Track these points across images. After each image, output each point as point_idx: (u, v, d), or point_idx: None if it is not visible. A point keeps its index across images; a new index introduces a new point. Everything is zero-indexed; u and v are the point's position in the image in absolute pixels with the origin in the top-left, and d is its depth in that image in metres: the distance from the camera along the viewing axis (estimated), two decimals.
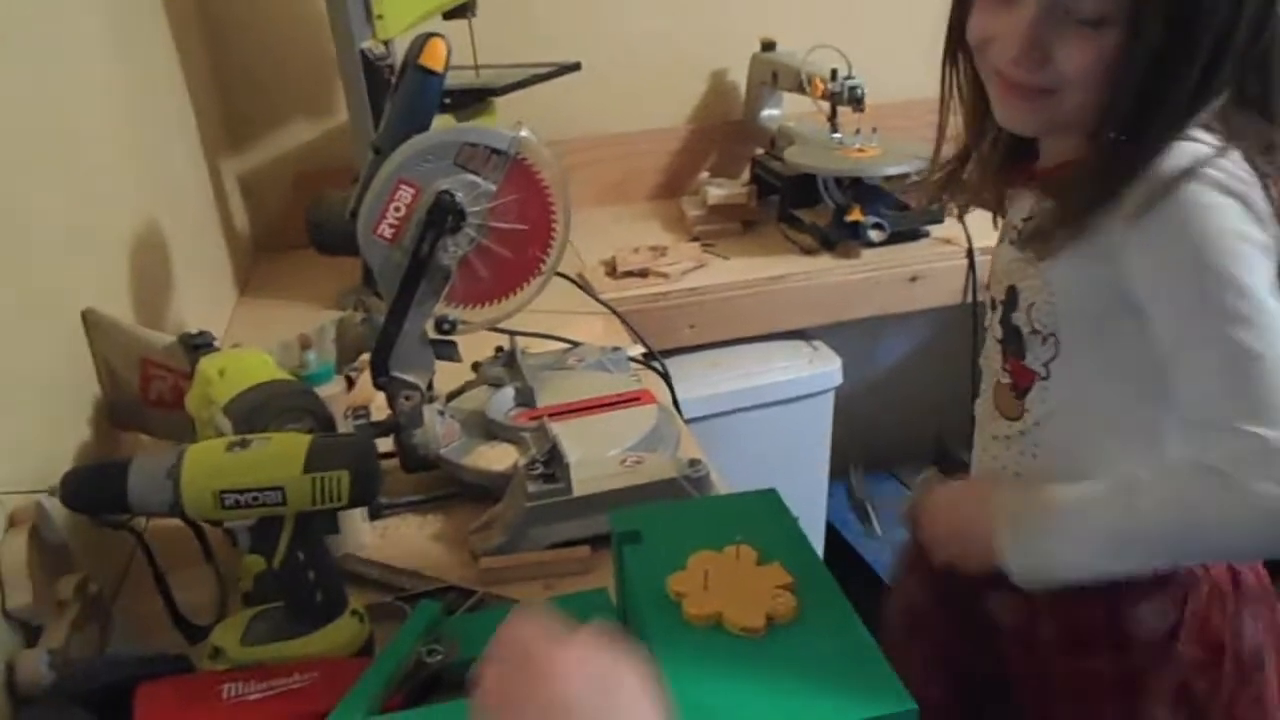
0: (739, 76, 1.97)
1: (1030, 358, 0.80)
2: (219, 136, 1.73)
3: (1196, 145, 0.70)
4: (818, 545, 1.85)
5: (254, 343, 1.39)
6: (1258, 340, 0.65)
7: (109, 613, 0.81)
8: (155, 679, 0.71)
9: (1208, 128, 0.71)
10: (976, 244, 1.61)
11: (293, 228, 1.74)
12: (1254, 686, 0.79)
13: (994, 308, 0.85)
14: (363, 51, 1.41)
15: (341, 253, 1.30)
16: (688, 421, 1.39)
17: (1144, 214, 0.69)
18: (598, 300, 1.44)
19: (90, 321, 0.94)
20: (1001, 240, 0.87)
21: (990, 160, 0.86)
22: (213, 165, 1.63)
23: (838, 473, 1.83)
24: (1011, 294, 0.82)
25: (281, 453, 0.71)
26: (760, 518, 0.76)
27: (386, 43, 1.47)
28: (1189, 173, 0.68)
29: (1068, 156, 0.78)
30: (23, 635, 0.73)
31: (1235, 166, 0.70)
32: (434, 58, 0.95)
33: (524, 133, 0.95)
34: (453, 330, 1.00)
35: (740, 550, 0.71)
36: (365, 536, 0.95)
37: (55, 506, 0.75)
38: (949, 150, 0.89)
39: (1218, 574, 0.79)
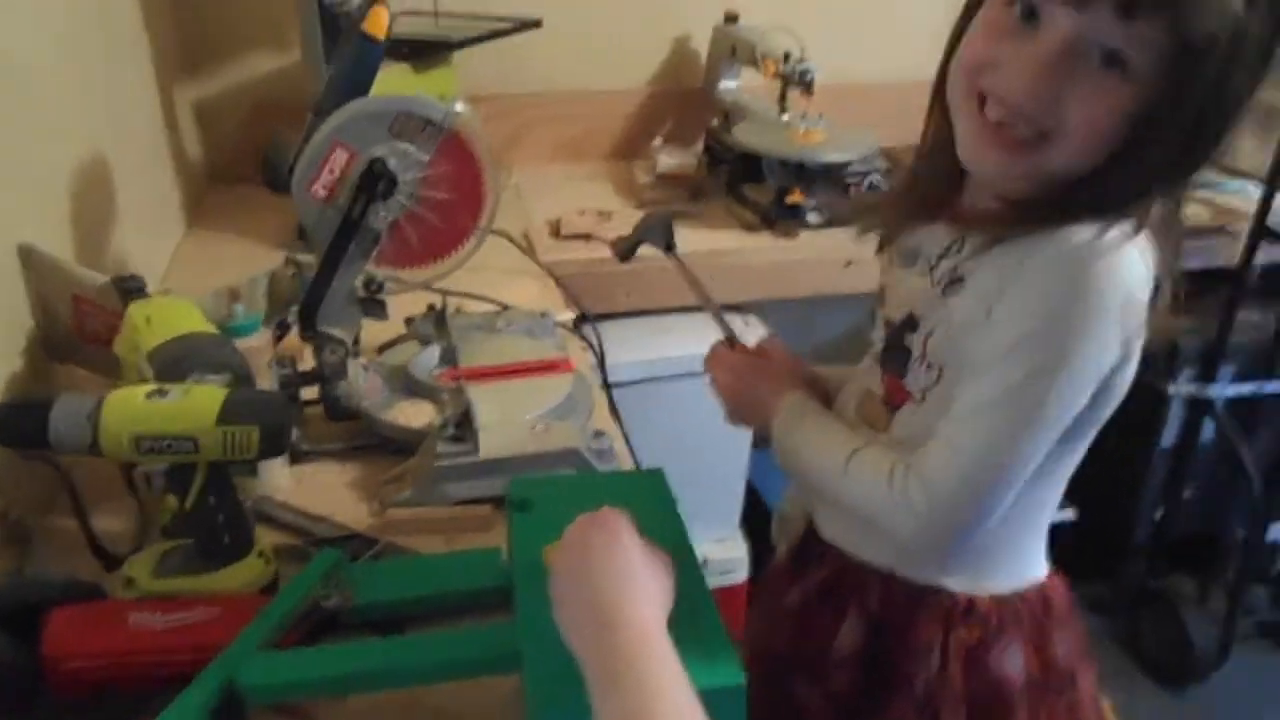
0: (701, 45, 1.99)
1: (910, 380, 0.83)
2: (174, 62, 1.73)
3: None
4: (738, 508, 1.93)
5: (195, 280, 1.43)
6: (1021, 427, 0.74)
7: (30, 537, 0.86)
8: (68, 604, 0.77)
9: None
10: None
11: (247, 159, 1.76)
12: (1066, 698, 0.88)
13: (885, 325, 0.88)
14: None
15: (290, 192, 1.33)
16: (619, 385, 1.45)
17: (1043, 268, 0.72)
18: (536, 263, 1.49)
19: (24, 256, 0.98)
20: (903, 266, 0.86)
21: (921, 189, 0.86)
22: (166, 91, 1.64)
23: (761, 439, 1.90)
24: (910, 319, 0.83)
25: (197, 405, 0.76)
26: (644, 496, 0.82)
27: None
28: (1096, 248, 0.70)
29: (993, 206, 0.78)
30: None
31: (1142, 254, 0.72)
32: (376, 25, 0.99)
33: (458, 106, 0.99)
34: (381, 290, 1.04)
35: None
36: (283, 480, 1.01)
37: None
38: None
39: (1031, 599, 0.87)
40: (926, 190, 0.84)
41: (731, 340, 0.98)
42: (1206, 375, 1.91)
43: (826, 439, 0.86)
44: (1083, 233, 0.71)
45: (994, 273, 0.75)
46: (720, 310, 1.00)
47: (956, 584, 0.85)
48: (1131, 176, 0.71)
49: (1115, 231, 0.71)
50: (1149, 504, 2.09)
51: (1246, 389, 1.91)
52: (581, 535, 0.69)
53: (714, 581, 0.80)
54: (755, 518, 2.03)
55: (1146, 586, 2.11)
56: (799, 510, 0.96)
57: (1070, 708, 0.88)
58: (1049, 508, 0.87)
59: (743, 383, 0.95)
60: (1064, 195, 0.73)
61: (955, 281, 0.78)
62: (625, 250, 1.02)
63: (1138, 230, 0.72)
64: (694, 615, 0.69)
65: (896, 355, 0.84)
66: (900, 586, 0.86)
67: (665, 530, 0.78)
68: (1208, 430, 1.97)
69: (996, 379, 0.74)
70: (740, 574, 1.89)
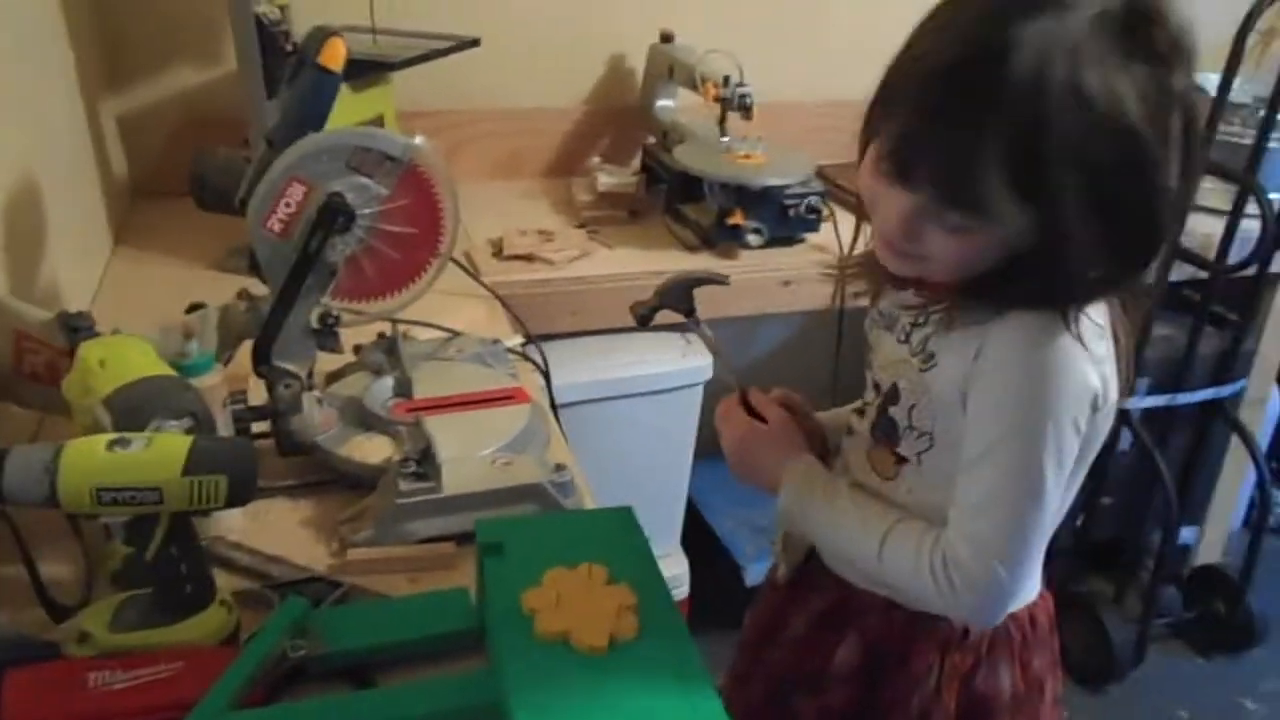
0: (637, 63, 2.01)
1: (903, 447, 0.87)
2: (99, 74, 1.68)
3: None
4: (679, 523, 1.95)
5: (128, 304, 1.38)
6: (1031, 505, 0.78)
7: None
8: (22, 664, 0.74)
9: None
10: (847, 254, 1.71)
11: (174, 174, 1.70)
12: (1036, 705, 0.94)
13: (874, 388, 0.90)
14: (257, 16, 1.39)
15: (224, 212, 1.30)
16: (565, 406, 1.46)
17: (999, 363, 0.77)
18: (484, 286, 1.48)
19: None
20: (884, 327, 0.90)
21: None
22: (91, 105, 1.58)
23: (703, 455, 1.93)
24: (894, 392, 0.87)
25: (162, 455, 0.74)
26: (614, 536, 0.83)
27: (282, 8, 1.45)
28: (1051, 329, 0.75)
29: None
30: None
31: (1095, 325, 0.77)
32: (333, 58, 0.97)
33: (418, 140, 0.98)
34: (337, 323, 1.03)
35: (592, 569, 0.77)
36: (235, 520, 0.98)
37: None
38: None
39: (1021, 619, 0.91)
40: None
41: (745, 400, 0.98)
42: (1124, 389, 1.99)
43: (847, 519, 0.88)
44: (1028, 320, 0.76)
45: (958, 359, 0.80)
46: (734, 373, 1.00)
47: None
48: (1049, 279, 0.75)
49: (1057, 319, 0.76)
50: (1071, 511, 2.17)
51: (1161, 401, 2.00)
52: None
53: None
54: (694, 534, 2.06)
55: (1067, 590, 2.19)
56: (801, 534, 0.97)
57: (1039, 714, 0.93)
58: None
59: (747, 449, 0.96)
60: (998, 285, 0.77)
61: (929, 357, 0.82)
62: (645, 315, 0.99)
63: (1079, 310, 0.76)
64: (676, 661, 0.70)
65: (886, 426, 0.88)
66: (900, 615, 0.90)
67: (637, 569, 0.79)
68: (1123, 439, 2.06)
69: (992, 473, 0.79)
70: (682, 590, 1.91)
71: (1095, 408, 0.79)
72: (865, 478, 0.91)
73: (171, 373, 0.85)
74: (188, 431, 0.80)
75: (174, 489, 0.74)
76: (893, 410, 0.86)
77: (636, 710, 0.65)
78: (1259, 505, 2.12)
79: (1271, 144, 1.80)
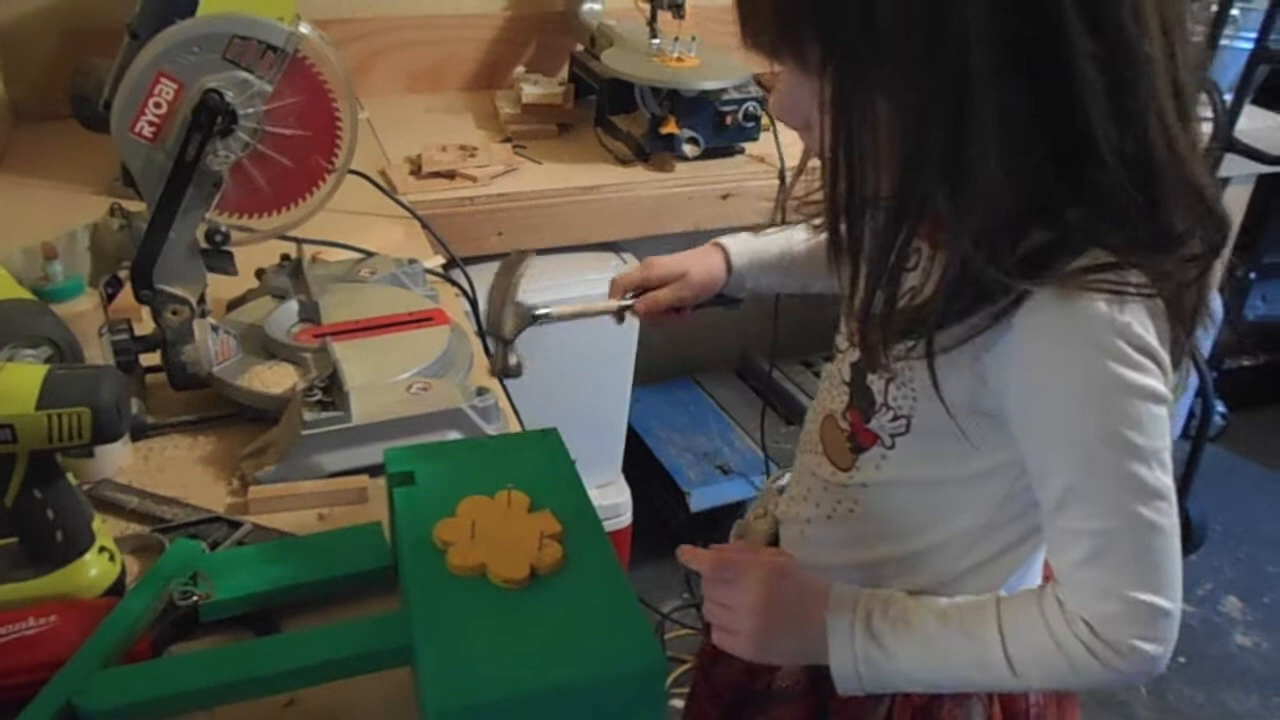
0: None
1: (875, 424, 0.73)
2: None
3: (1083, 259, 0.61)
4: (619, 450, 1.89)
5: (10, 231, 1.26)
6: (1156, 510, 0.63)
7: None
8: None
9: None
10: (788, 164, 1.63)
11: (57, 94, 1.57)
12: None
13: (851, 339, 0.75)
14: None
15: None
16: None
17: (1024, 325, 0.61)
18: (400, 204, 1.37)
19: None
20: None
21: None
22: None
23: (643, 379, 1.86)
24: None
25: (10, 387, 0.64)
26: (538, 460, 0.76)
27: None
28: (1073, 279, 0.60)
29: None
30: None
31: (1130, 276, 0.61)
32: None
33: (303, 28, 0.87)
34: (226, 241, 0.93)
35: (512, 496, 0.70)
36: (125, 459, 0.89)
37: None
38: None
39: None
40: None
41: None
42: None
43: (941, 645, 0.68)
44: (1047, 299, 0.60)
45: (954, 366, 0.64)
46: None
47: None
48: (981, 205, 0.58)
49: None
50: None
51: None
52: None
53: None
54: (637, 461, 2.00)
55: None
56: (765, 524, 0.87)
57: None
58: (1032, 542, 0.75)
59: (773, 609, 0.72)
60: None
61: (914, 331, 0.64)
62: (505, 367, 0.94)
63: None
64: (604, 592, 0.64)
65: (861, 393, 0.74)
66: None
67: (563, 495, 0.72)
68: None
69: (1090, 518, 0.63)
70: (624, 518, 1.86)
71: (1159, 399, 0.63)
72: (817, 464, 0.79)
73: (28, 296, 0.75)
74: (46, 361, 0.71)
75: (28, 425, 0.65)
76: (870, 378, 0.73)
77: (558, 648, 0.59)
78: (1200, 413, 2.11)
79: (1223, 41, 1.75)
